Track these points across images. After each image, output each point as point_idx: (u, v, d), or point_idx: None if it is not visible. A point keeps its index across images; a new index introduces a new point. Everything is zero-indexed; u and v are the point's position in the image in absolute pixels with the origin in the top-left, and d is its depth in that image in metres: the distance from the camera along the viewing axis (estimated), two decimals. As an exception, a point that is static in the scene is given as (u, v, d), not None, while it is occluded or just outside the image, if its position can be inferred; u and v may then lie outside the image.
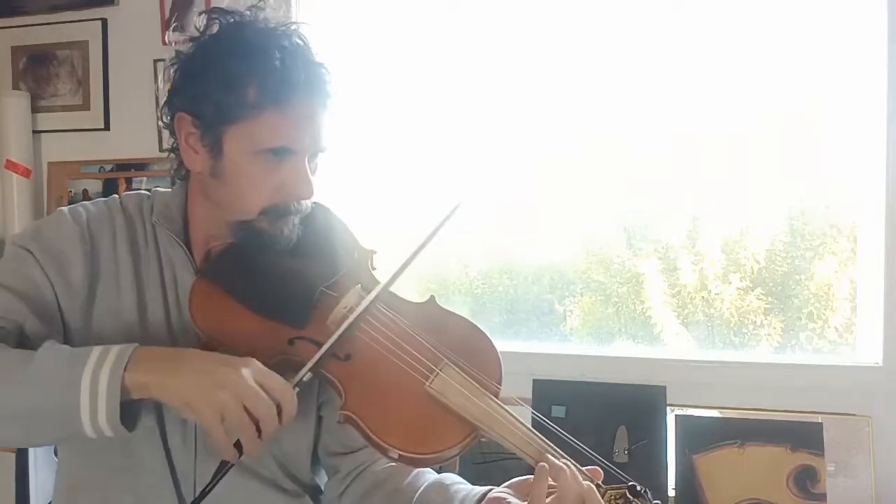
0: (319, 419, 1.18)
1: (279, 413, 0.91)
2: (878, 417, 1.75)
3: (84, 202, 1.13)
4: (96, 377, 0.89)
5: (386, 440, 0.94)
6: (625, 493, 0.97)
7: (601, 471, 0.98)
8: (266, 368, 0.93)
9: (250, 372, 0.90)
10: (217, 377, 0.89)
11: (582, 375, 1.89)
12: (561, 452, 0.97)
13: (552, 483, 0.92)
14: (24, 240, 1.07)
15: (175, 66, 1.05)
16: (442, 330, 1.03)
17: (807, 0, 1.94)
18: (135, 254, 1.10)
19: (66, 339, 1.05)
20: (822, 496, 1.68)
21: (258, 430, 0.90)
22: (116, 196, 1.15)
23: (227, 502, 1.08)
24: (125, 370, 0.89)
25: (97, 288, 1.07)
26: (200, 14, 1.04)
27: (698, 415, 1.80)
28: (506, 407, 0.98)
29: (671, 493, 1.73)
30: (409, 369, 0.98)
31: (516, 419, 0.97)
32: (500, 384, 1.00)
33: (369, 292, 1.03)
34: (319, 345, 0.98)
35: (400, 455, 0.94)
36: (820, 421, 1.73)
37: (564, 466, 0.93)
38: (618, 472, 1.00)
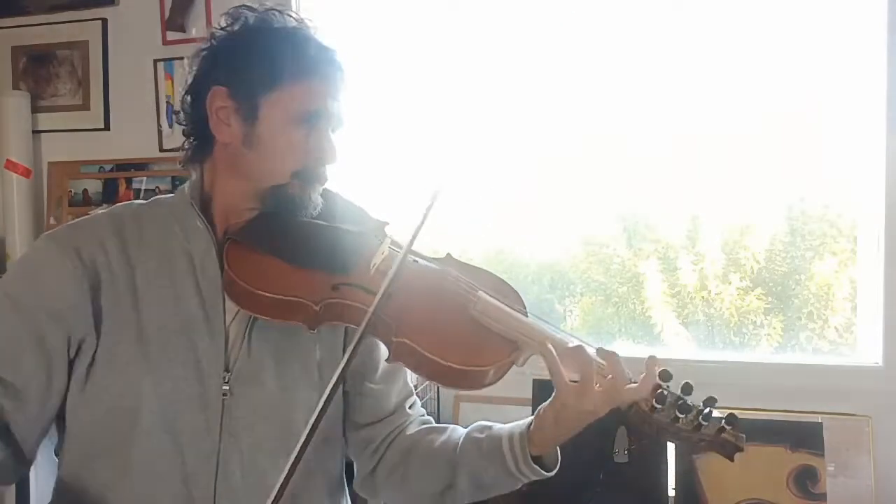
0: (343, 395, 1.21)
1: None
2: (878, 417, 1.75)
3: (65, 224, 1.16)
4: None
5: (442, 356, 1.00)
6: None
7: None
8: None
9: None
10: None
11: (582, 375, 1.88)
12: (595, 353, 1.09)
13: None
14: (14, 289, 1.07)
15: (205, 52, 1.12)
16: (466, 273, 1.13)
17: (807, 0, 1.94)
18: (126, 256, 1.10)
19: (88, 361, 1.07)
20: (822, 496, 1.68)
21: None
22: (101, 210, 1.18)
23: (248, 495, 1.07)
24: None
25: (100, 300, 1.08)
26: (223, 14, 1.12)
27: (698, 415, 1.79)
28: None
29: (671, 493, 1.73)
30: (455, 297, 1.07)
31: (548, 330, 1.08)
32: (526, 310, 1.11)
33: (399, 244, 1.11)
34: (364, 288, 1.05)
35: (451, 367, 1.00)
36: (820, 421, 1.73)
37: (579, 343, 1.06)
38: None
